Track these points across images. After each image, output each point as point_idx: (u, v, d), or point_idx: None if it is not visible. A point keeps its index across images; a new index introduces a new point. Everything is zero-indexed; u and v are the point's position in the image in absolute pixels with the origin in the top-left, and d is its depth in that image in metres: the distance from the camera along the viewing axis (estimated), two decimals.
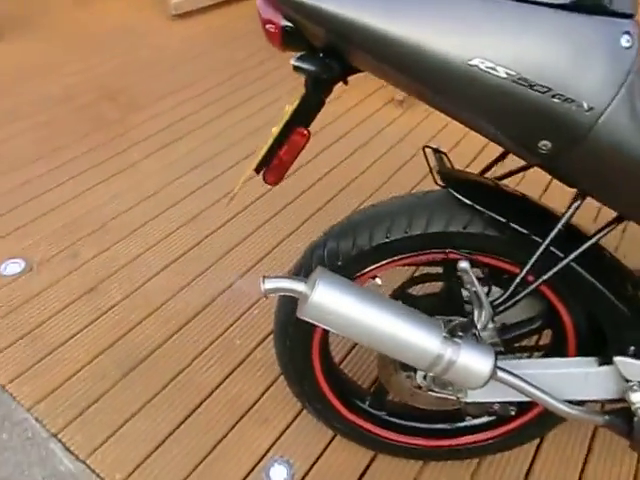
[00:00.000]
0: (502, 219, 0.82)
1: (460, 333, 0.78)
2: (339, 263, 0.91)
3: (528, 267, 0.79)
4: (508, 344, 0.98)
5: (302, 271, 0.96)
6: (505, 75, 0.63)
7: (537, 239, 0.82)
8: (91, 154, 2.17)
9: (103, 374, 1.40)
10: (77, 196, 1.97)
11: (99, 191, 2.00)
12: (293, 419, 1.30)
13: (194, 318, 1.55)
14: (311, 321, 0.79)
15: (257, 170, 0.81)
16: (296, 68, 0.72)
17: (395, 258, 0.89)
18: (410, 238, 0.86)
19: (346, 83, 0.79)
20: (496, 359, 0.78)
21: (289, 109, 0.77)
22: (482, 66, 0.63)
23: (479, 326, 0.79)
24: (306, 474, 1.21)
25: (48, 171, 2.05)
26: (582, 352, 0.98)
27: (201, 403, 1.34)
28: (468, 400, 0.92)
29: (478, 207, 0.81)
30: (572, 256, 0.80)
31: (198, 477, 1.20)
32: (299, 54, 0.72)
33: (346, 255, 0.90)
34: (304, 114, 0.78)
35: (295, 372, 1.08)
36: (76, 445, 1.25)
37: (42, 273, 1.68)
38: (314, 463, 1.22)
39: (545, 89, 0.64)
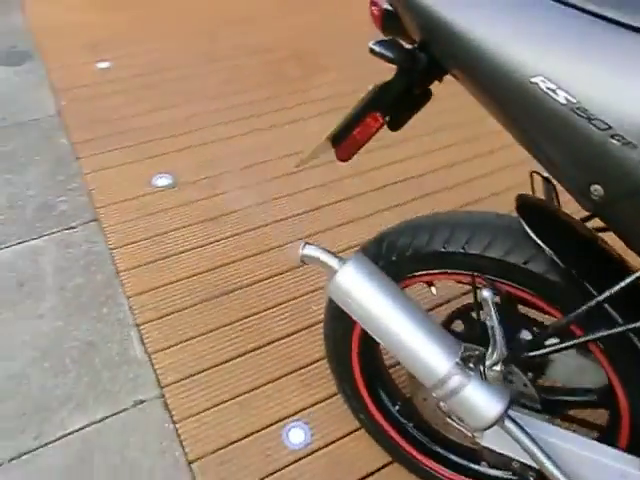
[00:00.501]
0: (563, 264, 0.75)
1: (476, 366, 0.75)
2: (393, 258, 0.91)
3: (570, 318, 0.70)
4: (552, 406, 0.91)
5: (368, 253, 0.99)
6: (564, 101, 0.57)
7: (593, 292, 0.73)
8: (260, 104, 2.37)
9: (193, 291, 1.59)
10: (232, 137, 2.18)
11: (253, 137, 2.20)
12: (331, 396, 1.35)
13: (286, 272, 1.67)
14: (335, 300, 0.82)
15: (333, 142, 0.85)
16: (372, 51, 0.73)
17: (447, 270, 0.87)
18: (464, 255, 0.83)
19: (440, 80, 0.78)
20: (509, 407, 0.74)
21: (370, 90, 0.78)
22: (543, 86, 0.58)
23: (487, 363, 0.75)
24: (320, 448, 1.26)
25: (217, 110, 2.29)
26: (635, 447, 0.87)
27: (261, 347, 1.46)
28: (482, 442, 0.88)
29: (542, 245, 0.75)
30: (631, 325, 0.70)
31: (231, 406, 1.32)
32: (380, 39, 0.74)
33: (401, 253, 0.90)
34: (382, 100, 0.79)
35: (333, 354, 1.12)
36: (150, 340, 1.45)
37: (182, 192, 1.93)
38: (332, 442, 1.27)
39: (605, 126, 0.55)
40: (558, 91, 0.57)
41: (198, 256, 1.70)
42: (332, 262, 0.82)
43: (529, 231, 0.78)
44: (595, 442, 0.84)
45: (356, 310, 0.80)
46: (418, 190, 1.95)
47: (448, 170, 2.03)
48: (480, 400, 0.74)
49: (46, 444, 1.25)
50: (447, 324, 1.00)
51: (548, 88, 0.58)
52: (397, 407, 1.15)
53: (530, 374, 0.89)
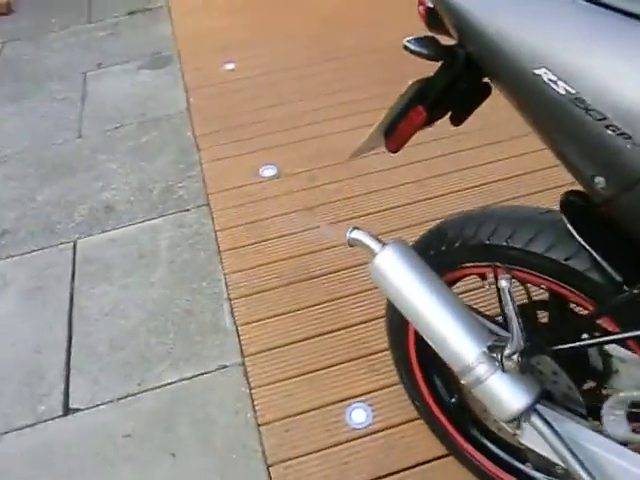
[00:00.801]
0: (603, 262, 0.71)
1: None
2: (442, 248, 0.93)
3: (601, 309, 0.67)
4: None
5: (421, 242, 1.01)
6: (564, 92, 0.57)
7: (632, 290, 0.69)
8: (370, 101, 2.42)
9: (282, 274, 1.71)
10: (337, 133, 2.27)
11: (357, 133, 2.26)
12: (396, 383, 1.37)
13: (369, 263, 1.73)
14: (374, 281, 0.86)
15: (385, 133, 0.88)
16: (406, 48, 0.75)
17: (491, 263, 0.86)
18: (508, 248, 0.82)
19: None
20: (536, 402, 0.72)
21: (411, 85, 0.80)
22: (545, 77, 0.57)
23: (505, 352, 0.73)
24: (379, 431, 1.30)
25: (328, 106, 2.39)
26: None
27: (337, 330, 1.53)
28: (522, 440, 0.86)
29: (583, 243, 0.72)
30: None
31: (303, 380, 1.41)
32: (415, 36, 0.75)
33: (450, 244, 0.91)
34: (425, 95, 0.81)
35: (393, 343, 1.15)
36: (240, 313, 1.60)
37: (285, 183, 2.07)
38: (391, 427, 1.30)
39: (600, 116, 0.54)
40: (559, 82, 0.58)
41: (291, 242, 1.82)
42: (374, 245, 0.87)
43: (571, 228, 0.76)
44: (629, 450, 0.79)
45: (391, 292, 0.84)
46: (520, 190, 1.88)
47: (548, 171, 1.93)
48: (504, 391, 0.74)
49: (145, 390, 1.46)
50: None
51: (549, 79, 0.59)
52: (453, 400, 1.15)
53: (589, 381, 0.85)
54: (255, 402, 1.39)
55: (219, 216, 1.94)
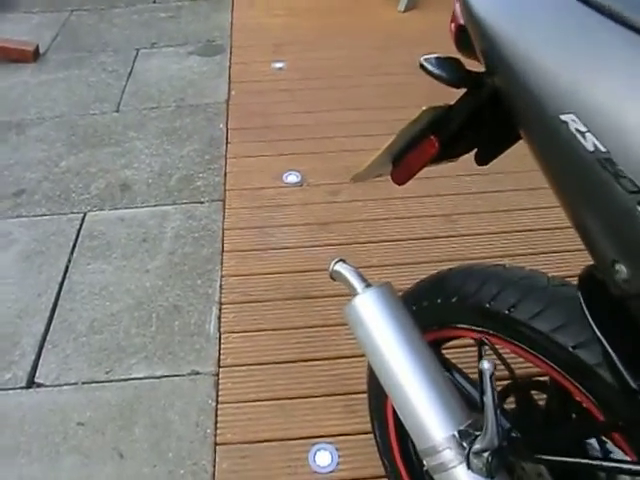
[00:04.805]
0: (619, 362, 0.58)
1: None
2: (438, 301, 0.82)
3: (611, 422, 0.55)
4: None
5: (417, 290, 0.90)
6: (592, 148, 0.45)
7: None
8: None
9: (280, 287, 1.62)
10: (368, 150, 2.17)
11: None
12: (370, 431, 1.27)
13: None
14: (348, 324, 0.76)
15: (393, 162, 0.78)
16: (421, 67, 0.65)
17: (485, 331, 0.75)
18: (509, 318, 0.71)
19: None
20: None
21: (427, 110, 0.70)
22: (572, 126, 0.46)
23: (475, 447, 0.61)
24: None
25: (364, 121, 2.29)
26: None
27: (323, 359, 1.42)
28: None
29: (597, 331, 0.60)
30: None
31: (274, 406, 1.30)
32: (434, 54, 0.65)
33: (446, 298, 0.80)
34: (441, 125, 0.70)
35: (371, 390, 1.04)
36: (226, 320, 1.52)
37: (305, 192, 1.98)
38: (355, 479, 1.19)
39: (634, 189, 0.42)
40: (587, 135, 0.46)
41: (297, 256, 1.73)
42: (357, 284, 0.76)
43: (586, 311, 0.63)
44: None
45: (363, 340, 0.73)
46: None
47: None
48: None
49: (111, 381, 1.39)
50: (500, 398, 0.87)
51: (577, 130, 0.46)
52: (425, 469, 1.04)
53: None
54: (219, 418, 1.30)
55: (231, 215, 1.87)
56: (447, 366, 0.92)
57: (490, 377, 0.62)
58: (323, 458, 1.22)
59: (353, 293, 0.77)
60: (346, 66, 2.66)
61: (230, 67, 2.67)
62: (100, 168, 2.10)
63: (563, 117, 0.48)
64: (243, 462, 1.22)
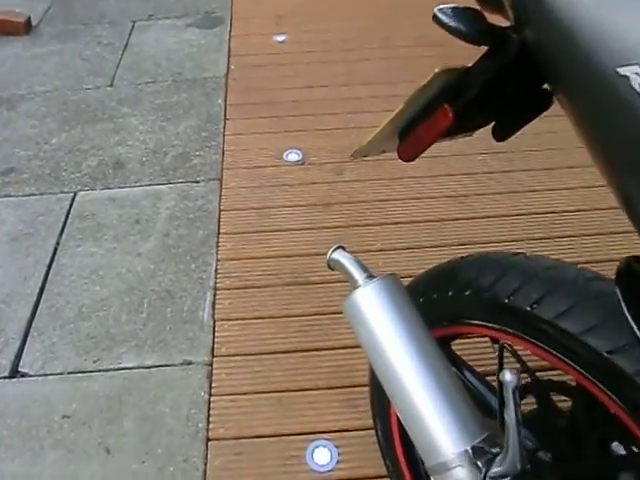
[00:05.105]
0: None
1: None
2: (449, 293, 0.72)
3: None
4: None
5: (425, 280, 0.81)
6: None
7: None
8: None
9: (279, 272, 1.53)
10: (374, 127, 2.06)
11: None
12: (372, 428, 1.19)
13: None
14: (347, 319, 0.67)
15: (400, 135, 0.68)
16: (434, 18, 0.54)
17: (503, 329, 0.66)
18: (531, 317, 0.61)
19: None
20: None
21: (439, 73, 0.59)
22: (634, 81, 0.36)
23: (493, 470, 0.52)
24: None
25: (371, 96, 2.16)
26: None
27: (323, 349, 1.33)
28: None
29: (638, 333, 0.51)
30: None
31: (271, 399, 1.22)
32: (449, 4, 0.54)
33: (458, 290, 0.70)
34: (456, 91, 0.60)
35: (373, 389, 0.96)
36: (221, 307, 1.43)
37: (308, 172, 1.88)
38: (354, 479, 1.12)
39: None
40: None
41: (298, 239, 1.64)
42: (357, 275, 0.67)
43: (625, 310, 0.54)
44: None
45: (365, 340, 0.64)
46: None
47: None
48: None
49: (99, 370, 1.32)
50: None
51: None
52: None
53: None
54: (211, 412, 1.22)
55: (228, 195, 1.78)
56: (457, 364, 0.84)
57: (513, 391, 0.53)
58: (322, 456, 1.14)
59: (353, 285, 0.67)
60: (351, 39, 2.52)
61: (230, 40, 2.54)
62: (92, 145, 2.00)
63: (622, 71, 0.39)
64: (236, 459, 1.14)
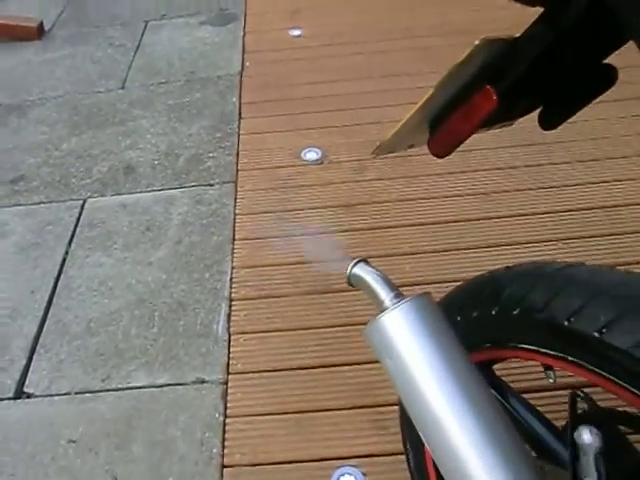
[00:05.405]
0: None
1: None
2: (492, 312, 0.60)
3: None
4: None
5: (460, 295, 0.70)
6: None
7: None
8: None
9: (299, 280, 1.42)
10: (396, 122, 1.94)
11: None
12: (402, 453, 1.08)
13: (406, 286, 1.42)
14: (370, 346, 0.56)
15: (431, 126, 0.57)
16: None
17: (565, 356, 0.54)
18: (601, 345, 0.50)
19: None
20: None
21: (480, 45, 0.47)
22: None
23: None
24: None
25: (392, 89, 2.03)
26: None
27: (347, 364, 1.23)
28: None
29: None
30: None
31: (290, 420, 1.12)
32: None
33: (505, 307, 0.59)
34: (502, 68, 0.48)
35: (405, 419, 0.85)
36: (237, 319, 1.33)
37: (327, 171, 1.77)
38: None
39: None
40: None
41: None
42: (384, 295, 0.56)
43: None
44: None
45: (394, 373, 0.53)
46: None
47: None
48: None
49: (108, 390, 1.23)
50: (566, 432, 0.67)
51: None
52: None
53: None
54: (227, 435, 1.12)
55: (244, 198, 1.68)
56: (503, 391, 0.72)
57: (596, 457, 0.42)
58: None
59: (378, 307, 0.56)
60: (370, 30, 2.40)
61: (244, 36, 2.44)
62: (103, 150, 1.93)
63: None
64: None
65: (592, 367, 0.53)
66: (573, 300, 0.54)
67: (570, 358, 0.54)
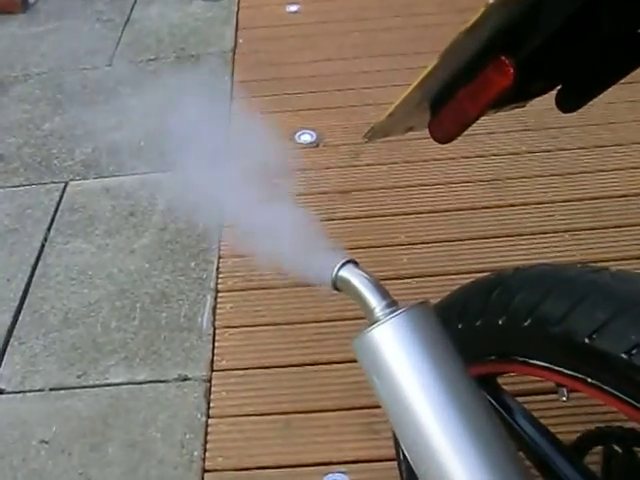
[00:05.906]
0: None
1: None
2: (499, 321, 0.52)
3: None
4: None
5: (460, 299, 0.62)
6: None
7: None
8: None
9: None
10: (392, 103, 1.86)
11: None
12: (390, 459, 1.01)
13: (405, 279, 1.33)
14: (358, 360, 0.49)
15: (432, 106, 0.49)
16: None
17: (584, 377, 0.46)
18: (625, 365, 0.42)
19: None
20: None
21: (494, 5, 0.38)
22: None
23: None
24: None
25: (391, 69, 1.93)
26: None
27: (340, 362, 1.15)
28: None
29: None
30: None
31: (277, 422, 1.05)
32: None
33: (514, 316, 0.51)
34: (519, 35, 0.40)
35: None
36: (223, 312, 1.25)
37: (322, 154, 1.68)
38: None
39: None
40: None
41: None
42: (375, 303, 0.48)
43: None
44: None
45: (384, 395, 0.45)
46: None
47: None
48: None
49: (84, 387, 1.16)
50: (578, 451, 0.60)
51: None
52: None
53: None
54: (209, 437, 1.05)
55: None
56: (508, 407, 0.65)
57: None
58: None
59: (368, 317, 0.49)
60: (370, 7, 2.29)
61: (238, 12, 2.33)
62: (87, 130, 1.83)
63: None
64: None
65: (616, 392, 0.46)
66: (594, 313, 0.46)
67: (590, 380, 0.46)
